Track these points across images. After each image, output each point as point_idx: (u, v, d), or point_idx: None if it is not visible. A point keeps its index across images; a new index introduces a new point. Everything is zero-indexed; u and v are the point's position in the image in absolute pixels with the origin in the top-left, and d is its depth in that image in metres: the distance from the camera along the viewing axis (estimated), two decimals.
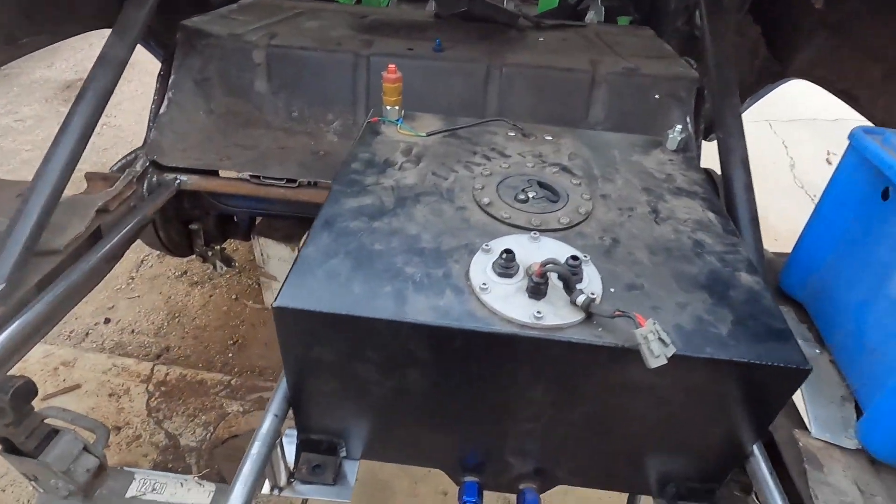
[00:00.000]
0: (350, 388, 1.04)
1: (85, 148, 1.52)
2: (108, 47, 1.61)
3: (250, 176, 1.77)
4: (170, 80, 1.91)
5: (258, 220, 2.72)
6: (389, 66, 1.41)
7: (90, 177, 1.73)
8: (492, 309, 0.94)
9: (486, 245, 1.05)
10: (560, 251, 1.07)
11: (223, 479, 2.15)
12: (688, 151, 1.48)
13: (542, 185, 1.26)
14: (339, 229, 1.09)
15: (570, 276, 0.93)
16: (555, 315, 0.92)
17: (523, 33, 2.25)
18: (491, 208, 1.17)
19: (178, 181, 1.81)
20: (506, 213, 1.15)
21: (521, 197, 1.20)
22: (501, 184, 1.25)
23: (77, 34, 2.17)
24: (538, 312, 0.91)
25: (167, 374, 2.55)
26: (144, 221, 1.67)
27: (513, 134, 1.49)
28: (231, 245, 3.34)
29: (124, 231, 1.58)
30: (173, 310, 2.95)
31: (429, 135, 1.45)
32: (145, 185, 1.77)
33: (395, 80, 1.41)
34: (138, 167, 1.74)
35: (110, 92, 1.59)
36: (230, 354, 2.72)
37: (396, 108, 1.46)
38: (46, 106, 4.95)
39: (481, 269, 1.01)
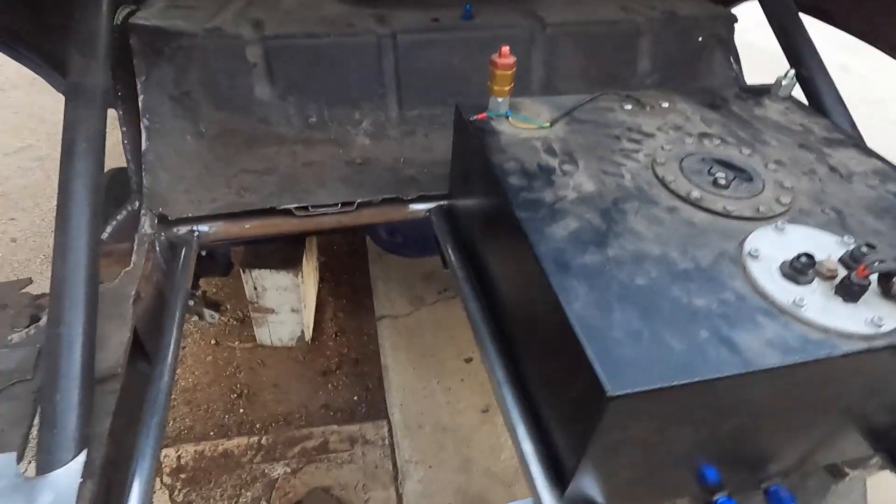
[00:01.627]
0: (650, 453, 0.87)
1: (102, 218, 1.09)
2: (78, 76, 1.13)
3: (296, 209, 1.41)
4: (140, 103, 1.43)
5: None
6: (502, 48, 1.15)
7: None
8: (823, 327, 0.81)
9: (754, 250, 0.91)
10: (816, 237, 0.96)
11: None
12: (792, 97, 1.43)
13: (721, 163, 1.12)
14: (579, 271, 0.88)
15: (893, 269, 0.83)
16: (889, 317, 0.82)
17: None
18: (705, 203, 1.02)
19: (196, 233, 1.39)
20: (727, 205, 1.01)
21: (721, 182, 1.06)
22: (683, 171, 1.10)
23: None
24: (879, 319, 0.81)
25: (179, 456, 2.10)
26: (187, 298, 1.26)
27: (629, 107, 1.32)
28: None
29: (176, 320, 1.18)
30: None
31: (553, 124, 1.23)
32: (158, 250, 1.33)
33: (510, 66, 1.16)
34: (147, 228, 1.30)
35: (104, 135, 1.13)
36: (241, 410, 2.31)
37: (507, 99, 1.22)
38: None
39: (771, 280, 0.87)
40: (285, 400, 2.36)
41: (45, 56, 1.58)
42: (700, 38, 1.77)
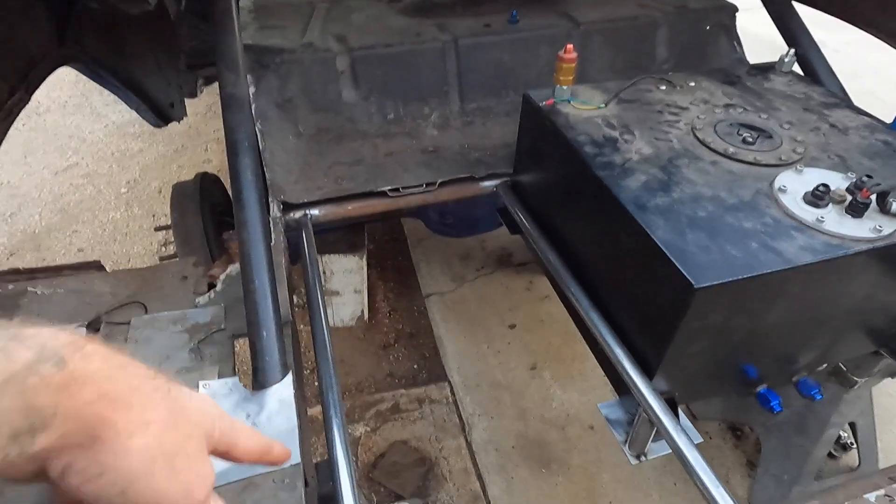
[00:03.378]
0: (713, 346, 1.17)
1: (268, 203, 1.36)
2: (230, 88, 1.40)
3: (389, 190, 1.69)
4: (253, 111, 1.69)
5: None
6: (567, 46, 1.43)
7: (232, 237, 1.53)
8: (838, 235, 1.11)
9: (782, 186, 1.21)
10: (826, 175, 1.26)
11: (399, 497, 2.14)
12: (793, 71, 1.73)
13: (746, 125, 1.42)
14: (655, 209, 1.17)
15: (888, 191, 1.13)
16: (887, 226, 1.12)
17: None
18: (739, 156, 1.31)
19: (309, 216, 1.66)
20: (756, 156, 1.31)
21: (749, 140, 1.36)
22: (717, 133, 1.39)
23: None
24: (878, 227, 1.11)
25: None
26: (320, 270, 1.54)
27: (664, 87, 1.61)
28: None
29: (317, 285, 1.45)
30: None
31: (607, 104, 1.52)
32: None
33: (573, 60, 1.45)
34: (276, 212, 1.57)
35: (256, 133, 1.41)
36: (316, 383, 2.58)
37: (570, 87, 1.50)
38: None
39: (797, 207, 1.16)
40: (353, 372, 2.64)
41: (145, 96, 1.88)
42: (708, 27, 2.07)
